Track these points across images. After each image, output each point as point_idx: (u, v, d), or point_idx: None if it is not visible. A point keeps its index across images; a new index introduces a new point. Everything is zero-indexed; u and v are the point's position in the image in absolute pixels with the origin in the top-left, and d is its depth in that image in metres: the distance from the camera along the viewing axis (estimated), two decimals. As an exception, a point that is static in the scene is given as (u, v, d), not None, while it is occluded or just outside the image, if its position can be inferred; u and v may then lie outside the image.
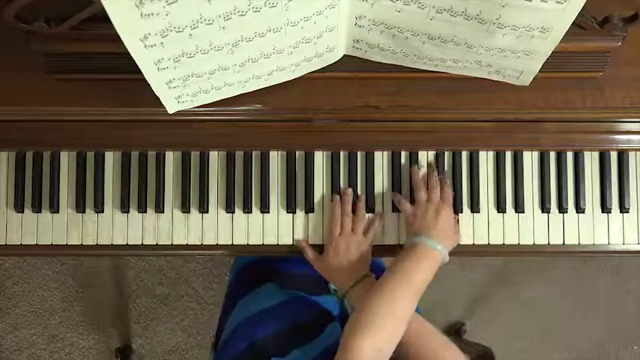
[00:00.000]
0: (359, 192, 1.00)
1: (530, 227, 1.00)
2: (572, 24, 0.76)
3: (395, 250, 0.99)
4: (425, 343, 0.86)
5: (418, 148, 1.00)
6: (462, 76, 0.92)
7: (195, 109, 0.91)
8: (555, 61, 0.85)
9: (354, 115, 0.96)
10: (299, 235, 1.00)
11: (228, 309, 1.11)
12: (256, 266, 1.15)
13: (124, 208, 1.00)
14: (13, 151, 1.00)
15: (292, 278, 1.07)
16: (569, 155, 1.01)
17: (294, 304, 1.02)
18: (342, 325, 0.99)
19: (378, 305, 0.83)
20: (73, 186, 1.00)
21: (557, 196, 1.00)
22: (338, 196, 0.99)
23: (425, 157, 1.01)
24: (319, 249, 0.98)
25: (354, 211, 0.98)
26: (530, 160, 1.01)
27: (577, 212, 1.01)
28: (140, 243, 1.00)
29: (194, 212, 1.00)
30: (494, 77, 0.91)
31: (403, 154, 1.01)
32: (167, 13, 0.69)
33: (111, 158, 1.01)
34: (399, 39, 0.84)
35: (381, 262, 1.18)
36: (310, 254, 0.97)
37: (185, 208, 0.99)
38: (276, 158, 1.00)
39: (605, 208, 1.00)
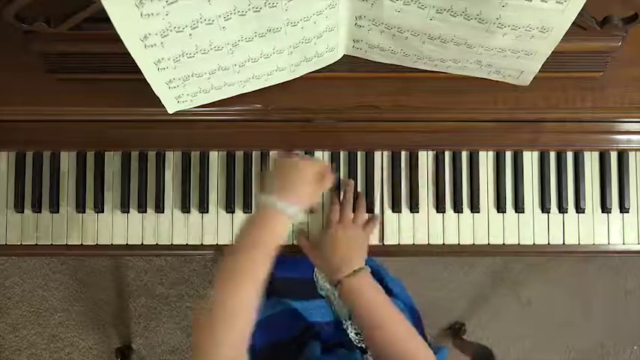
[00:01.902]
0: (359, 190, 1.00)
1: (530, 227, 1.00)
2: (572, 24, 0.76)
3: (394, 251, 1.00)
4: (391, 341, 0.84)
5: (418, 148, 1.00)
6: (462, 76, 0.92)
7: (195, 109, 0.91)
8: (555, 61, 0.85)
9: (354, 115, 0.96)
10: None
11: None
12: None
13: (124, 208, 1.00)
14: (13, 151, 1.00)
15: (280, 284, 1.06)
16: (569, 155, 1.01)
17: (279, 319, 1.01)
18: (334, 330, 0.99)
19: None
20: (73, 186, 1.00)
21: (557, 196, 1.00)
22: (336, 190, 0.99)
23: (425, 157, 1.01)
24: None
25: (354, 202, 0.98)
26: (530, 160, 1.01)
27: (577, 212, 1.01)
28: (140, 243, 1.00)
29: (194, 212, 1.00)
30: (494, 77, 0.91)
31: (403, 154, 1.01)
32: (167, 13, 0.69)
33: (111, 158, 1.01)
34: (399, 39, 0.84)
35: (372, 261, 1.17)
36: (307, 243, 0.97)
37: (185, 208, 0.99)
38: (276, 158, 1.00)
39: (605, 208, 1.00)
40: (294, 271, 1.07)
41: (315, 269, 1.03)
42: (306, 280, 1.03)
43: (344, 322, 0.99)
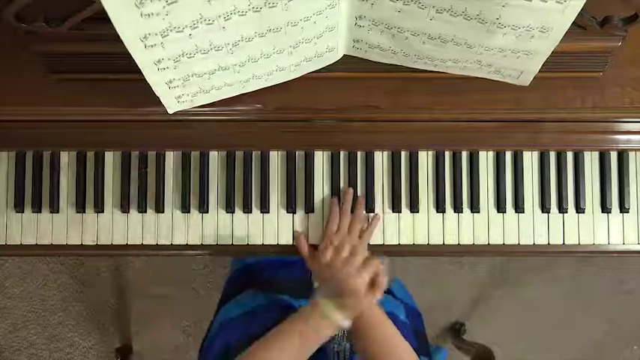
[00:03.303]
0: (359, 192, 1.00)
1: (530, 227, 1.00)
2: (572, 24, 0.76)
3: (394, 251, 1.00)
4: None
5: (418, 148, 1.00)
6: (461, 76, 0.92)
7: (195, 109, 0.91)
8: (555, 61, 0.85)
9: (354, 115, 0.96)
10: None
11: (216, 314, 1.12)
12: (245, 273, 1.16)
13: (124, 208, 1.00)
14: (13, 151, 1.00)
15: (277, 283, 1.07)
16: (569, 155, 1.01)
17: (270, 309, 1.01)
18: None
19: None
20: (73, 186, 1.00)
21: (557, 196, 1.00)
22: (336, 198, 0.99)
23: (425, 157, 1.01)
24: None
25: (353, 211, 0.98)
26: (530, 160, 1.01)
27: (577, 212, 1.01)
28: (140, 243, 1.00)
29: (194, 212, 1.00)
30: (494, 77, 0.91)
31: (403, 154, 1.01)
32: (167, 13, 0.69)
33: (111, 158, 1.01)
34: (399, 39, 0.84)
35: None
36: (305, 251, 0.97)
37: (185, 208, 0.99)
38: (276, 158, 1.00)
39: (605, 208, 1.00)
40: (292, 271, 1.07)
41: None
42: (302, 279, 1.03)
43: None
